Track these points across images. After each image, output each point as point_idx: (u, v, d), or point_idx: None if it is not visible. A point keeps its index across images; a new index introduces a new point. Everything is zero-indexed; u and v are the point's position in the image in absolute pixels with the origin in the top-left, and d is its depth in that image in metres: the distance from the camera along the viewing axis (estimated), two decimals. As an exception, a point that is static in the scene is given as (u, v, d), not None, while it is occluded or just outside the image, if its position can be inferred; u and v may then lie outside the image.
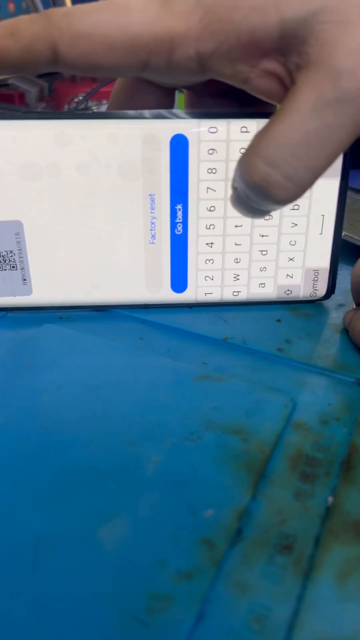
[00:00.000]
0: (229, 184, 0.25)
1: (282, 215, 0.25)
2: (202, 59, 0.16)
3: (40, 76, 0.60)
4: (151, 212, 0.25)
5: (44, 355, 0.24)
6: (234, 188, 0.17)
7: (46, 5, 0.53)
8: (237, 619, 0.14)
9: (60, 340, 0.24)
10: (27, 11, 0.62)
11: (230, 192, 0.25)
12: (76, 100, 0.51)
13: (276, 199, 0.16)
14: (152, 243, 0.25)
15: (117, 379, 0.22)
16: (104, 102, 0.51)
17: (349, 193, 0.36)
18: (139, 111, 0.23)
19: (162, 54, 0.16)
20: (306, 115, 0.15)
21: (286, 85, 0.16)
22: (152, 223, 0.25)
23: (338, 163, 0.24)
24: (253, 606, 0.15)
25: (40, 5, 0.53)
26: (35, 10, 0.53)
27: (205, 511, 0.17)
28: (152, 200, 0.24)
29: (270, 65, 0.16)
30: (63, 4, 0.51)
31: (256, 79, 0.16)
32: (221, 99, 0.23)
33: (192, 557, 0.16)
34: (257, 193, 0.16)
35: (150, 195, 0.24)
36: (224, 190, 0.25)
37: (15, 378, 0.22)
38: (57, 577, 0.15)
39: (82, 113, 0.23)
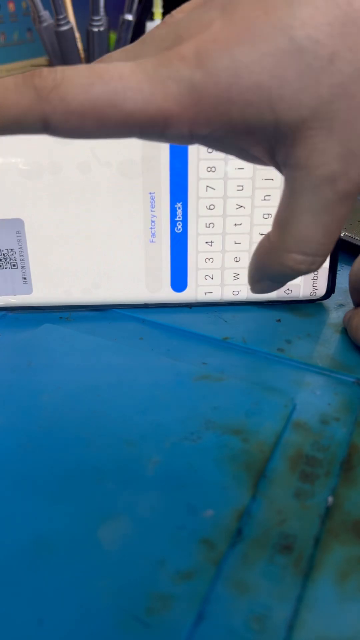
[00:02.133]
0: (228, 183, 0.24)
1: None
2: (194, 137, 0.16)
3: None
4: (151, 211, 0.25)
5: (44, 355, 0.24)
6: (254, 279, 0.19)
7: (46, 6, 0.53)
8: (237, 619, 0.14)
9: (60, 340, 0.24)
10: (27, 11, 0.62)
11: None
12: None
13: (308, 272, 0.18)
14: (152, 241, 0.25)
15: (117, 379, 0.22)
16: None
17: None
18: None
19: (154, 130, 0.16)
20: (318, 214, 0.16)
21: (274, 154, 0.17)
22: (152, 221, 0.25)
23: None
24: (253, 606, 0.15)
25: (40, 5, 0.53)
26: (36, 10, 0.53)
27: (205, 511, 0.17)
28: (152, 199, 0.24)
29: (261, 148, 0.17)
30: (62, 3, 0.51)
31: (245, 154, 0.18)
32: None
33: (192, 557, 0.16)
34: (289, 277, 0.18)
35: (150, 193, 0.24)
36: (223, 188, 0.25)
37: (15, 378, 0.22)
38: (57, 577, 0.15)
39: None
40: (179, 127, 0.16)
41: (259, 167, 0.24)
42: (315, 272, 0.27)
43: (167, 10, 0.58)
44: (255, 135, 0.16)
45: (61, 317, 0.26)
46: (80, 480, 0.18)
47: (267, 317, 0.26)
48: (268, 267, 0.18)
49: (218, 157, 0.24)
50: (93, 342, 0.24)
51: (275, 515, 0.17)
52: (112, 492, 0.17)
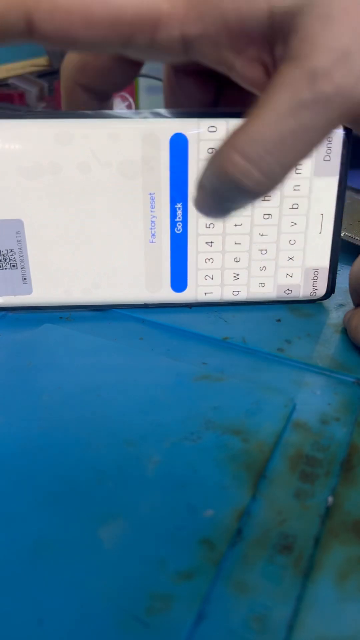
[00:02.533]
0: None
1: (281, 215, 0.25)
2: (186, 41, 0.15)
3: (40, 76, 0.60)
4: (151, 211, 0.25)
5: (44, 355, 0.24)
6: (201, 187, 0.17)
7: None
8: (237, 619, 0.14)
9: (60, 340, 0.24)
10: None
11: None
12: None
13: (248, 193, 0.16)
14: (152, 242, 0.25)
15: (117, 379, 0.22)
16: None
17: (349, 193, 0.36)
18: (140, 110, 0.23)
19: (145, 32, 0.15)
20: (282, 115, 0.15)
21: (271, 75, 0.16)
22: (152, 222, 0.25)
23: (337, 162, 0.24)
24: (253, 606, 0.15)
25: None
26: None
27: (205, 511, 0.17)
28: (152, 199, 0.24)
29: (257, 53, 0.16)
30: None
31: (241, 67, 0.16)
32: (200, 77, 0.22)
33: (192, 557, 0.16)
34: (230, 187, 0.16)
35: (150, 194, 0.24)
36: None
37: (15, 378, 0.22)
38: (57, 577, 0.15)
39: (82, 112, 0.23)
40: (170, 28, 0.15)
41: None
42: (315, 272, 0.27)
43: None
44: (250, 35, 0.15)
45: (61, 317, 0.26)
46: (80, 480, 0.18)
47: (267, 317, 0.26)
48: (207, 171, 0.16)
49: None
50: (93, 342, 0.24)
51: (275, 515, 0.17)
52: (112, 492, 0.17)
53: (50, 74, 0.62)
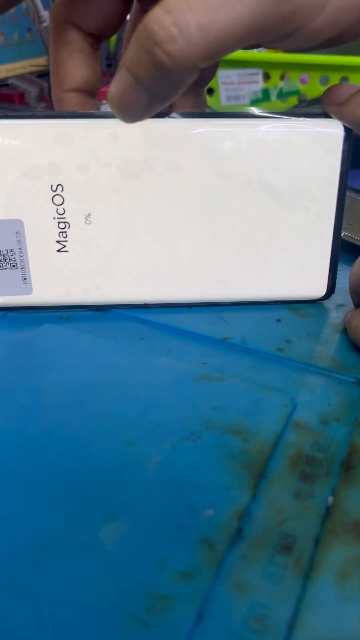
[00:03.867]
0: (227, 182, 0.24)
1: (281, 214, 0.25)
2: None
3: (40, 76, 0.60)
4: (152, 211, 0.25)
5: (44, 355, 0.24)
6: (119, 75, 0.17)
7: (46, 6, 0.53)
8: (237, 619, 0.14)
9: (60, 340, 0.24)
10: (27, 11, 0.62)
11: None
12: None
13: (164, 52, 0.16)
14: (152, 242, 0.25)
15: (117, 379, 0.22)
16: (104, 102, 0.51)
17: (349, 193, 0.36)
18: None
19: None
20: None
21: None
22: (153, 222, 0.25)
23: (337, 162, 0.24)
24: (253, 606, 0.15)
25: (40, 5, 0.53)
26: (36, 10, 0.53)
27: (205, 511, 0.17)
28: (153, 199, 0.24)
29: None
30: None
31: None
32: None
33: (192, 557, 0.16)
34: (147, 46, 0.16)
35: (151, 194, 0.24)
36: None
37: (15, 378, 0.22)
38: (57, 577, 0.15)
39: (82, 112, 0.23)
40: None
41: (260, 167, 0.24)
42: (316, 273, 0.27)
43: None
44: None
45: (61, 317, 0.26)
46: (81, 480, 0.18)
47: (267, 317, 0.26)
48: (134, 39, 0.16)
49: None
50: (93, 342, 0.24)
51: (275, 515, 0.17)
52: (112, 492, 0.17)
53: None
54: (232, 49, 0.16)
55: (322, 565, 0.16)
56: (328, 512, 0.17)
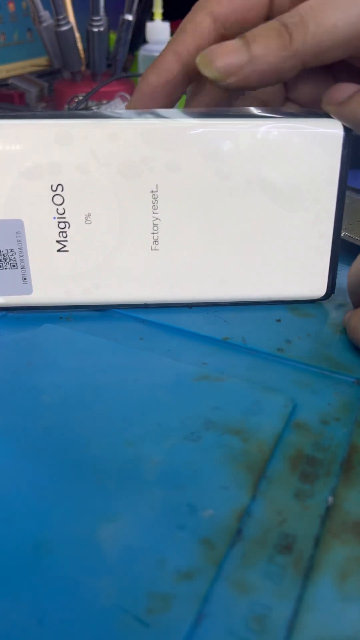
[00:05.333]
0: (227, 182, 0.24)
1: (281, 214, 0.25)
2: None
3: (40, 76, 0.60)
4: (153, 212, 0.25)
5: (44, 355, 0.24)
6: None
7: (46, 6, 0.53)
8: (237, 619, 0.14)
9: (60, 340, 0.24)
10: (27, 11, 0.62)
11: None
12: (76, 100, 0.51)
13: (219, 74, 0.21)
14: (153, 242, 0.25)
15: (117, 379, 0.22)
16: (104, 102, 0.51)
17: (349, 193, 0.36)
18: (141, 111, 0.23)
19: None
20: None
21: None
22: (154, 223, 0.25)
23: (337, 162, 0.24)
24: (253, 606, 0.15)
25: (40, 5, 0.53)
26: (36, 10, 0.53)
27: (205, 511, 0.17)
28: (155, 199, 0.24)
29: None
30: (63, 3, 0.51)
31: None
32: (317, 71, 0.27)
33: (192, 557, 0.16)
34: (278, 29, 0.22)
35: (152, 191, 0.24)
36: None
37: (15, 378, 0.22)
38: (57, 577, 0.15)
39: (82, 113, 0.23)
40: None
41: (260, 167, 0.24)
42: (316, 272, 0.27)
43: (167, 10, 0.58)
44: None
45: (61, 317, 0.26)
46: (80, 480, 0.18)
47: (267, 317, 0.26)
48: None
49: (218, 157, 0.24)
50: (93, 342, 0.24)
51: (275, 515, 0.17)
52: (112, 492, 0.17)
53: (50, 74, 0.62)
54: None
55: (322, 565, 0.16)
56: (328, 512, 0.17)
